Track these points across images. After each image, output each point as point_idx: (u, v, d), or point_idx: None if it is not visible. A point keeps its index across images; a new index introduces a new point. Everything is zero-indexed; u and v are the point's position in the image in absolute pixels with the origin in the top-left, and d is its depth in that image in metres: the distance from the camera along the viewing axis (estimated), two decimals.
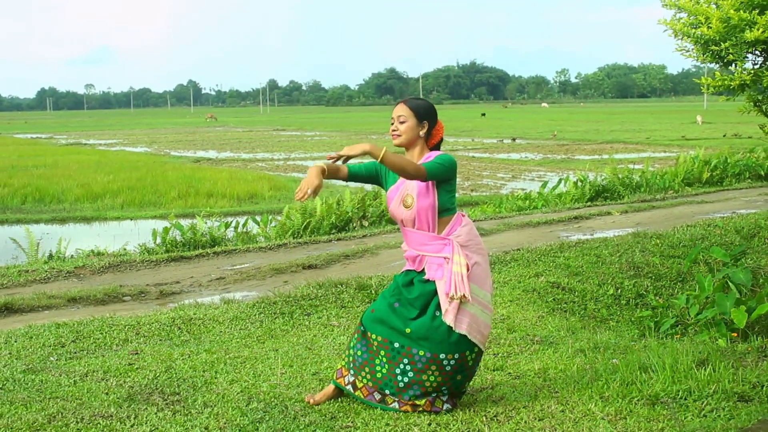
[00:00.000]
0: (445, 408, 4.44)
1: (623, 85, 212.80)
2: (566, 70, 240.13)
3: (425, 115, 4.51)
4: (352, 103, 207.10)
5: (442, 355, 4.33)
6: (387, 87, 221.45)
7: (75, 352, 5.81)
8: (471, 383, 4.85)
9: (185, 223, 12.19)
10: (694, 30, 7.11)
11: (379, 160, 4.24)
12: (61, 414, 4.36)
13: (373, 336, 4.47)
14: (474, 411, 4.41)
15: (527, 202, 15.51)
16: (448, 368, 4.35)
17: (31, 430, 4.15)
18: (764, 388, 4.47)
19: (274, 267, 9.18)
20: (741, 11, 6.69)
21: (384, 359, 4.43)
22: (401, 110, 4.50)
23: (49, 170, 26.41)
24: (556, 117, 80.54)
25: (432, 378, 4.36)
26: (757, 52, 7.33)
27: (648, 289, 8.02)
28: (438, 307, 4.37)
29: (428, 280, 4.41)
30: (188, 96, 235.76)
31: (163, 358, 5.58)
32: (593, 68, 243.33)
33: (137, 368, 5.32)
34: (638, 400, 4.39)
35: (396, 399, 4.43)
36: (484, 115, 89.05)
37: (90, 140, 52.22)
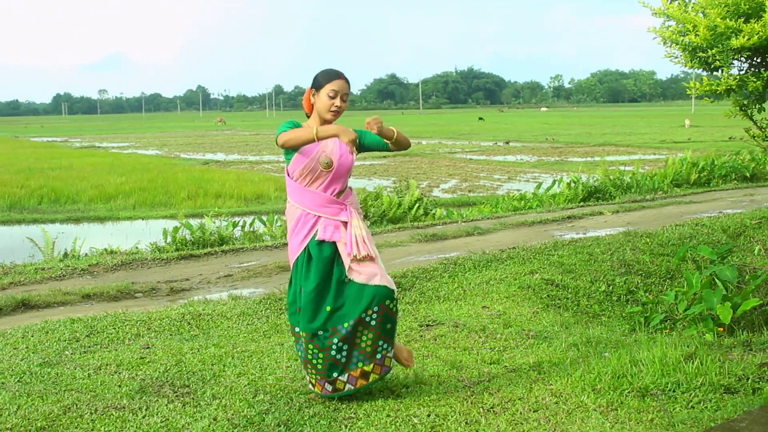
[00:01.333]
0: (391, 364, 4.56)
1: (615, 90, 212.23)
2: (560, 76, 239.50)
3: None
4: (354, 108, 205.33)
5: (363, 314, 4.41)
6: (388, 92, 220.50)
7: (89, 347, 5.88)
8: (470, 377, 4.96)
9: (194, 222, 12.25)
10: (682, 37, 7.23)
11: (395, 134, 4.43)
12: (76, 405, 4.46)
13: (302, 334, 4.51)
14: (471, 403, 4.50)
15: (522, 202, 15.60)
16: (373, 323, 4.43)
17: (47, 421, 4.24)
18: (749, 381, 4.55)
19: (279, 264, 9.25)
20: (727, 20, 6.83)
21: (315, 349, 4.47)
22: (346, 87, 4.49)
23: (64, 172, 26.49)
24: (551, 121, 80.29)
25: (365, 338, 4.44)
26: (742, 58, 7.46)
27: (638, 285, 8.12)
28: (342, 271, 4.44)
29: (323, 242, 4.44)
30: (197, 101, 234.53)
31: (174, 352, 5.65)
32: (586, 74, 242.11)
33: (149, 362, 5.40)
34: (629, 392, 4.48)
35: (346, 377, 4.46)
36: (481, 119, 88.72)
37: (103, 143, 52.12)
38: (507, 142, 42.90)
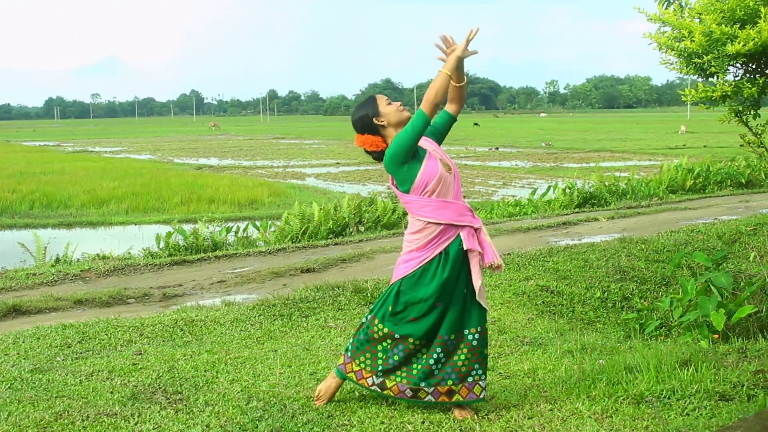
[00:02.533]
0: (482, 395, 4.42)
1: (610, 95, 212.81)
2: (555, 82, 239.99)
3: None
4: (349, 113, 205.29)
5: (466, 331, 4.38)
6: None
7: (81, 353, 5.86)
8: None
9: (188, 228, 12.24)
10: (677, 43, 7.22)
11: (461, 83, 4.42)
12: (68, 412, 4.43)
13: (418, 338, 4.41)
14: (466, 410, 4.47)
15: (517, 208, 15.59)
16: (474, 343, 4.38)
17: (38, 428, 4.22)
18: (744, 388, 4.54)
19: (273, 270, 9.24)
20: (723, 26, 6.83)
21: (421, 354, 4.42)
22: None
23: (57, 177, 26.43)
24: (546, 126, 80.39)
25: (463, 357, 4.37)
26: (738, 64, 7.45)
27: (633, 292, 8.14)
28: (467, 284, 4.40)
29: (465, 251, 4.37)
30: (191, 105, 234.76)
31: (166, 358, 5.63)
32: (581, 79, 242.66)
33: (141, 368, 5.38)
34: (624, 399, 4.47)
35: (431, 389, 4.39)
36: (477, 124, 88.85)
37: (96, 148, 52.02)
38: (496, 148, 42.88)
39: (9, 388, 4.95)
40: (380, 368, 4.47)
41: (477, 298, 4.39)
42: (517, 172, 28.85)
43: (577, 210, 15.09)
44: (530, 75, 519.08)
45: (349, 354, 4.59)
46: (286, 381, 5.08)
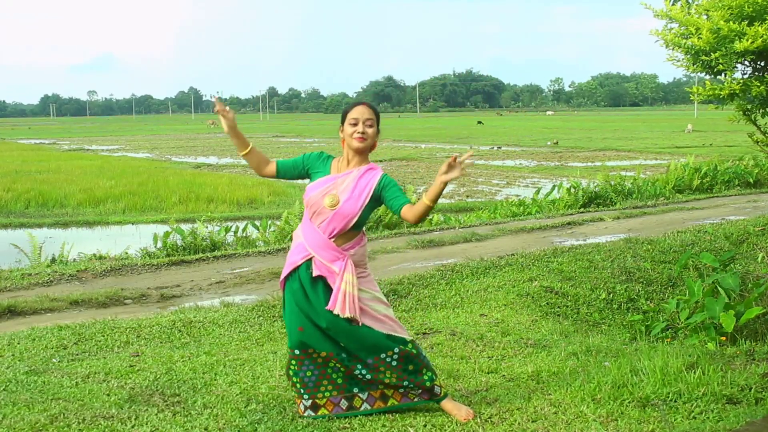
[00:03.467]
0: (416, 400, 4.44)
1: (616, 93, 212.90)
2: (560, 79, 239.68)
3: (379, 121, 4.44)
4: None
5: (383, 355, 4.33)
6: (384, 95, 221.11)
7: (77, 354, 5.84)
8: (467, 386, 4.90)
9: (186, 227, 12.19)
10: (684, 40, 7.18)
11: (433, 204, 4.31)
12: (63, 415, 4.39)
13: (319, 353, 4.37)
14: None
15: (521, 208, 15.55)
16: (394, 363, 4.35)
17: (33, 431, 4.18)
18: (752, 391, 4.50)
19: (273, 271, 9.19)
20: (731, 22, 6.78)
21: (338, 365, 4.38)
22: (368, 113, 4.35)
23: (52, 175, 26.43)
24: (551, 125, 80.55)
25: (388, 375, 4.36)
26: (746, 62, 7.41)
27: (639, 293, 8.08)
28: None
29: (316, 278, 4.34)
30: (189, 103, 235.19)
31: (164, 360, 5.60)
32: (587, 77, 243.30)
33: (138, 370, 5.35)
34: (629, 403, 4.43)
35: (365, 396, 4.39)
36: (480, 123, 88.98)
37: (92, 146, 52.14)
38: (499, 147, 42.82)
39: (4, 390, 4.91)
40: (302, 390, 4.43)
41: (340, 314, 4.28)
42: (521, 171, 28.83)
43: (582, 210, 15.05)
44: (535, 72, 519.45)
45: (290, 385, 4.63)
46: (286, 383, 5.01)
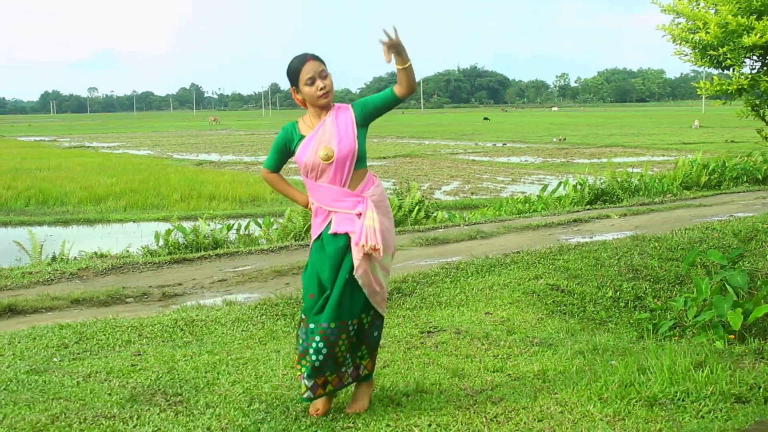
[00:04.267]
0: (346, 382, 4.41)
1: (622, 89, 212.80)
2: (566, 75, 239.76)
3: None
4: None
5: (348, 321, 4.28)
6: None
7: (78, 353, 5.82)
8: (472, 385, 4.87)
9: (188, 225, 12.19)
10: (692, 35, 7.14)
11: (405, 65, 4.18)
12: (65, 414, 4.37)
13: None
14: (474, 412, 4.41)
15: (527, 205, 15.51)
16: (352, 333, 4.32)
17: (34, 431, 4.16)
18: (761, 390, 4.46)
19: (275, 269, 9.19)
20: (739, 16, 6.74)
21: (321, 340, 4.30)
22: (319, 65, 4.27)
23: (53, 173, 26.41)
24: (556, 121, 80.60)
25: (343, 348, 4.29)
26: (754, 56, 7.37)
27: (646, 291, 8.06)
28: (351, 268, 4.26)
29: (336, 234, 4.29)
30: (191, 99, 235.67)
31: (166, 359, 5.58)
32: (593, 72, 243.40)
33: (140, 369, 5.33)
34: (636, 402, 4.39)
35: (311, 383, 4.30)
36: (487, 119, 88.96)
37: (93, 143, 52.15)
38: (504, 144, 42.78)
39: (4, 389, 4.89)
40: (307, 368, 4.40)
41: (356, 275, 4.25)
42: (527, 168, 28.77)
43: (588, 207, 15.02)
44: (540, 68, 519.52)
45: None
46: (289, 383, 5.01)
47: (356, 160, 4.28)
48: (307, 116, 4.41)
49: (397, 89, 4.27)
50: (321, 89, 4.27)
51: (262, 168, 4.58)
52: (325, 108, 4.35)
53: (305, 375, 4.31)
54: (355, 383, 4.55)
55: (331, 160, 4.24)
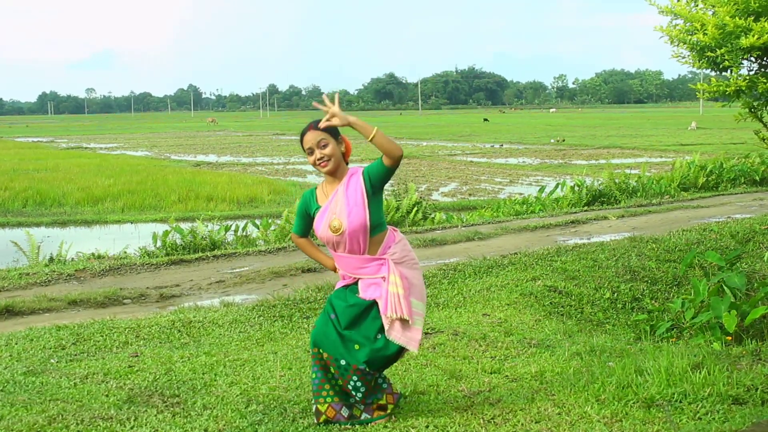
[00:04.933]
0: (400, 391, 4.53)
1: (620, 90, 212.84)
2: (564, 76, 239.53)
3: (336, 131, 4.33)
4: (351, 108, 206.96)
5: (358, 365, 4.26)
6: (386, 92, 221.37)
7: (75, 355, 5.82)
8: (469, 387, 4.88)
9: (185, 226, 12.15)
10: (690, 36, 7.14)
11: (369, 138, 4.08)
12: (62, 416, 4.36)
13: (325, 354, 4.33)
14: (471, 413, 4.41)
15: (525, 206, 15.50)
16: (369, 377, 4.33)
17: None
18: (758, 391, 4.47)
19: (273, 270, 9.18)
20: (737, 18, 6.74)
21: (336, 373, 4.32)
22: (317, 135, 4.26)
23: (50, 174, 26.34)
24: (554, 122, 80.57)
25: (378, 378, 4.36)
26: (752, 58, 7.36)
27: (644, 293, 8.06)
28: (380, 329, 4.25)
29: (362, 298, 4.30)
30: (189, 100, 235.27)
31: (163, 360, 5.58)
32: (590, 74, 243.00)
33: (137, 370, 5.33)
34: (634, 403, 4.39)
35: (362, 408, 4.37)
36: (486, 120, 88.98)
37: (91, 144, 52.03)
38: (501, 145, 42.75)
39: (1, 391, 4.90)
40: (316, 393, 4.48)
41: (397, 341, 4.25)
42: (525, 169, 28.75)
43: (586, 208, 15.01)
44: (538, 69, 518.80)
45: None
46: (287, 384, 5.02)
47: (371, 229, 4.26)
48: (325, 182, 4.42)
49: (384, 160, 4.22)
50: (319, 159, 4.28)
51: (291, 233, 4.61)
52: (336, 175, 4.34)
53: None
54: None
55: (340, 233, 4.24)
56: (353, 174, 4.32)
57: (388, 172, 4.21)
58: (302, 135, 4.33)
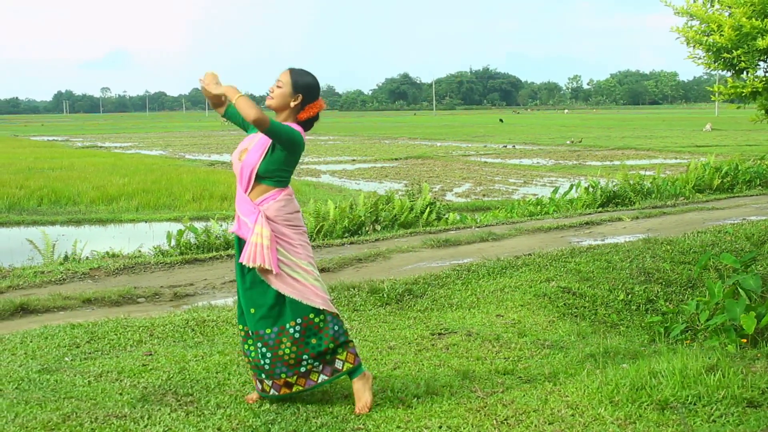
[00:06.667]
0: (320, 380, 4.50)
1: (635, 91, 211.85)
2: (578, 77, 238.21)
3: (302, 88, 4.51)
4: (365, 108, 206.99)
5: (287, 325, 4.41)
6: (400, 92, 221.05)
7: (89, 353, 5.82)
8: (483, 387, 4.86)
9: (199, 225, 12.16)
10: (706, 37, 7.11)
11: (233, 100, 4.31)
12: (76, 414, 4.37)
13: (240, 327, 4.62)
14: (484, 414, 4.40)
15: (539, 207, 15.46)
16: (297, 335, 4.41)
17: (45, 430, 4.16)
18: None
19: None
20: (753, 19, 6.70)
21: (249, 347, 4.56)
22: (283, 77, 4.53)
23: (65, 172, 26.39)
24: (568, 123, 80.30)
25: (287, 350, 4.42)
26: None
27: (658, 294, 8.00)
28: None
29: (242, 239, 4.49)
30: (203, 100, 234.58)
31: (177, 359, 5.58)
32: (605, 75, 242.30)
33: (151, 369, 5.33)
34: (648, 405, 4.37)
35: (270, 383, 4.50)
36: (502, 120, 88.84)
37: (106, 143, 52.15)
38: (513, 146, 42.67)
39: (16, 388, 4.90)
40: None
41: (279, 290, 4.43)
42: (539, 170, 28.65)
43: (600, 209, 14.96)
44: (552, 70, 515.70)
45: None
46: None
47: (256, 175, 4.44)
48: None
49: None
50: (270, 90, 4.61)
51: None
52: (278, 114, 4.60)
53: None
54: (352, 383, 4.61)
55: (239, 161, 4.49)
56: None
57: (265, 134, 4.39)
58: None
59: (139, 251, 11.39)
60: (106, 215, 18.21)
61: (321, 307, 4.45)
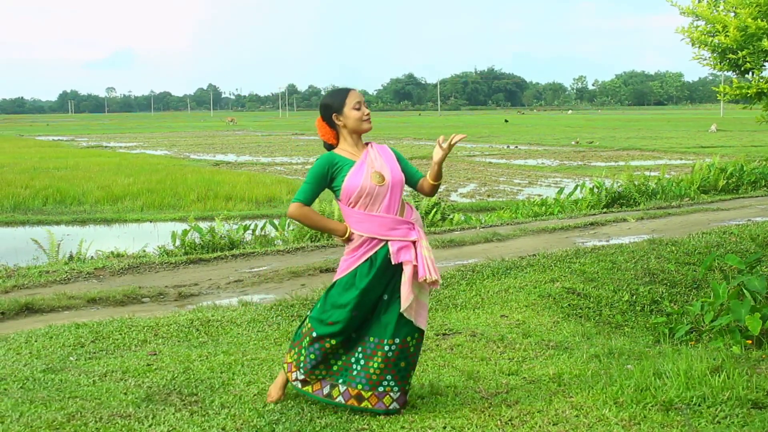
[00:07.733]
0: (392, 406, 4.40)
1: (640, 92, 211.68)
2: (583, 77, 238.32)
3: (321, 111, 4.53)
4: (370, 108, 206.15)
5: (386, 340, 4.34)
6: (405, 92, 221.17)
7: (94, 353, 5.83)
8: (487, 388, 4.86)
9: (204, 225, 12.18)
10: (711, 38, 7.11)
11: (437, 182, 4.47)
12: (80, 413, 4.37)
13: (331, 341, 4.40)
14: (488, 415, 4.39)
15: (543, 208, 15.45)
16: (390, 354, 4.35)
17: (50, 429, 4.16)
18: None
19: (291, 270, 9.19)
20: (759, 20, 6.70)
21: (341, 350, 4.45)
22: (361, 96, 4.48)
23: (70, 172, 26.42)
24: (573, 123, 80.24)
25: (376, 365, 4.35)
26: None
27: (663, 295, 8.00)
28: (392, 293, 4.37)
29: (392, 264, 4.33)
30: (208, 100, 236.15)
31: (181, 359, 5.58)
32: (610, 75, 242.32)
33: (155, 369, 5.33)
34: (652, 406, 4.37)
35: (343, 389, 4.41)
36: (507, 121, 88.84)
37: (111, 143, 52.19)
38: (516, 146, 42.65)
39: (21, 388, 4.91)
40: (302, 365, 4.49)
41: (401, 310, 4.32)
42: (543, 170, 28.63)
43: (605, 210, 14.95)
44: (557, 70, 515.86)
45: (289, 345, 4.69)
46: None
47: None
48: (345, 147, 4.47)
49: (422, 184, 4.54)
50: (367, 114, 4.43)
51: (292, 203, 4.52)
52: (360, 137, 4.49)
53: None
54: None
55: (384, 183, 4.32)
56: (373, 143, 4.51)
57: (411, 184, 4.54)
58: (346, 91, 4.45)
59: (144, 251, 11.40)
60: (110, 215, 18.22)
61: (423, 327, 4.44)
